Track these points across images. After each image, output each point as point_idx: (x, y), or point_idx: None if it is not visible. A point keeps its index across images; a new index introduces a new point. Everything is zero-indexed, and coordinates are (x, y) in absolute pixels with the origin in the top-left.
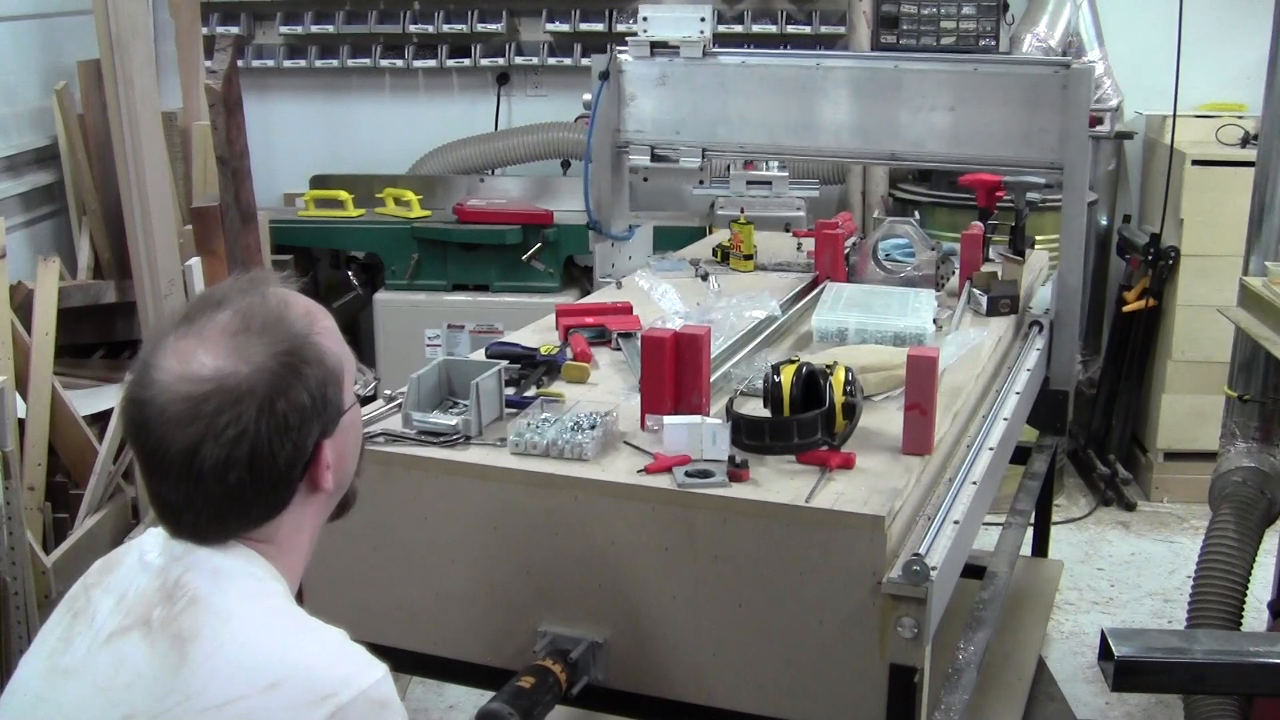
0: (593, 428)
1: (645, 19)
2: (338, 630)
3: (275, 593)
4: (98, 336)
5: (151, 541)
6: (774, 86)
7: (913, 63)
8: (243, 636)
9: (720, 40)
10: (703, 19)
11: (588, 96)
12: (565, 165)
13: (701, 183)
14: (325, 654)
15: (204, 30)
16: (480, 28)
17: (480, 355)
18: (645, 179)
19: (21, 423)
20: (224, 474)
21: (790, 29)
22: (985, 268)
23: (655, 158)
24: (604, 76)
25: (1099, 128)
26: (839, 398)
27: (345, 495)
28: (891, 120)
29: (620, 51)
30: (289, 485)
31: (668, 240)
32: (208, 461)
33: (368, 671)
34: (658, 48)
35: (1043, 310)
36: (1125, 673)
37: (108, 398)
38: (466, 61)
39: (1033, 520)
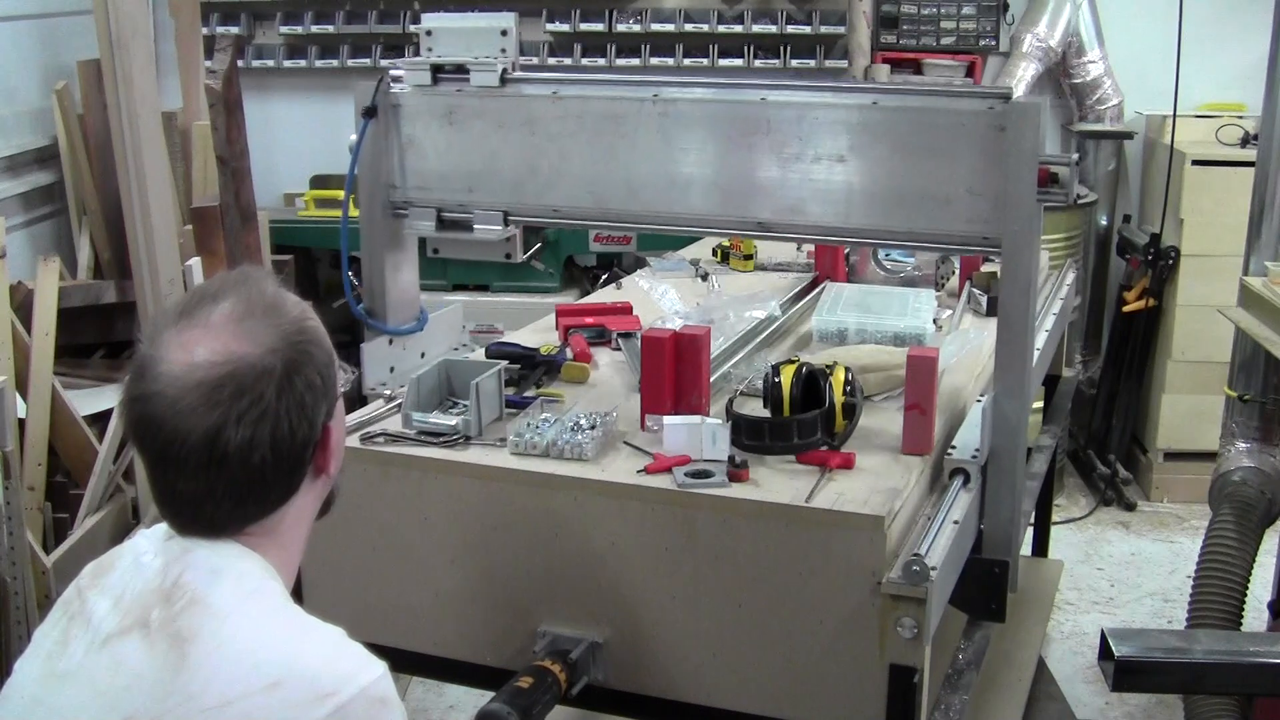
0: (593, 428)
1: (429, 33)
2: (336, 628)
3: (273, 591)
4: (98, 336)
5: (146, 543)
6: (597, 126)
7: (788, 93)
8: (243, 636)
9: (720, 42)
10: (504, 31)
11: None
12: None
13: (509, 256)
14: (325, 652)
15: (204, 30)
16: None
17: (480, 355)
18: (435, 251)
19: (21, 423)
20: (248, 456)
21: (790, 29)
22: (985, 268)
23: (443, 223)
24: (369, 114)
25: (1055, 189)
26: (839, 398)
27: (330, 490)
28: (758, 174)
29: (393, 77)
30: (303, 467)
31: (668, 240)
32: (231, 445)
33: (368, 669)
34: (444, 73)
35: (970, 451)
36: (1125, 673)
37: (108, 398)
38: None
39: (1033, 520)
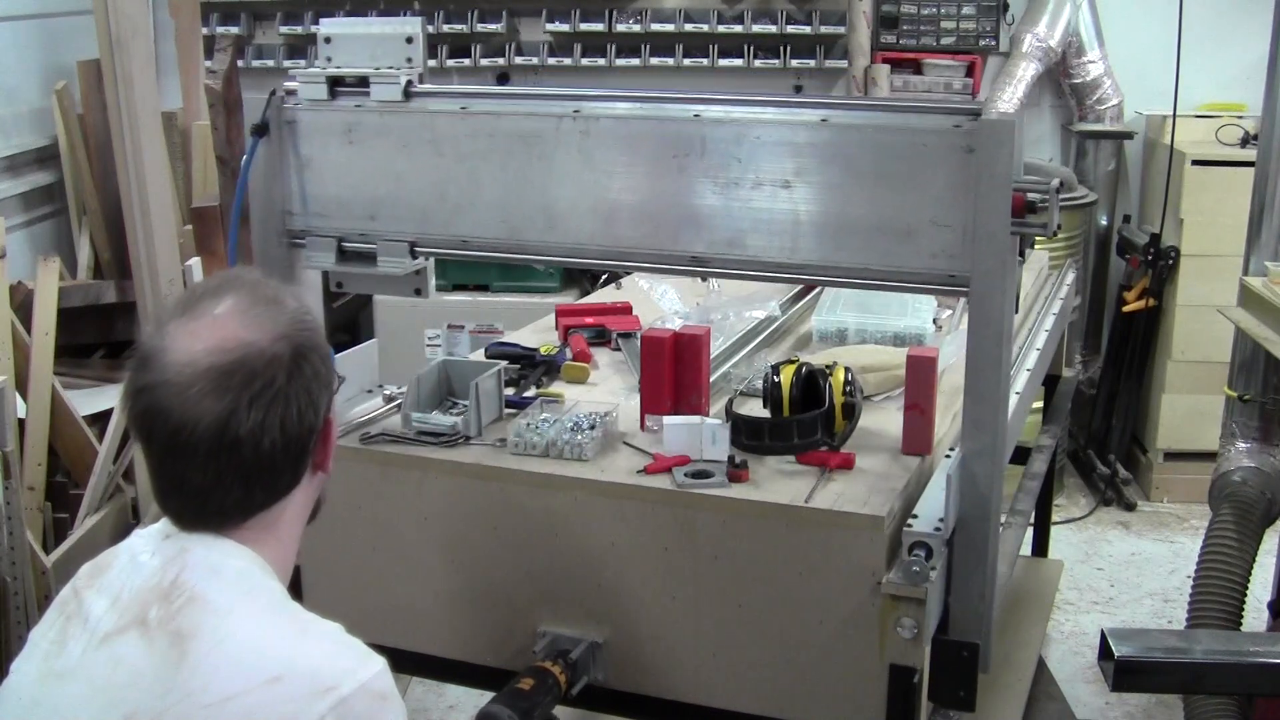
0: (592, 428)
1: (328, 40)
2: (335, 624)
3: (271, 588)
4: (98, 336)
5: (143, 542)
6: (510, 146)
7: (725, 108)
8: (243, 632)
9: (720, 42)
10: (409, 39)
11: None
12: None
13: (420, 291)
14: (325, 647)
15: (204, 30)
16: (480, 28)
17: (480, 355)
18: (339, 285)
19: (21, 423)
20: (259, 440)
21: (790, 29)
22: None
23: (344, 254)
24: (260, 131)
25: (1033, 218)
26: (839, 398)
27: (320, 492)
28: (692, 202)
29: (288, 90)
30: (307, 456)
31: None
32: (243, 429)
33: (368, 664)
34: (343, 86)
35: (933, 523)
36: (1125, 673)
37: (108, 398)
38: (466, 61)
39: (1033, 520)
